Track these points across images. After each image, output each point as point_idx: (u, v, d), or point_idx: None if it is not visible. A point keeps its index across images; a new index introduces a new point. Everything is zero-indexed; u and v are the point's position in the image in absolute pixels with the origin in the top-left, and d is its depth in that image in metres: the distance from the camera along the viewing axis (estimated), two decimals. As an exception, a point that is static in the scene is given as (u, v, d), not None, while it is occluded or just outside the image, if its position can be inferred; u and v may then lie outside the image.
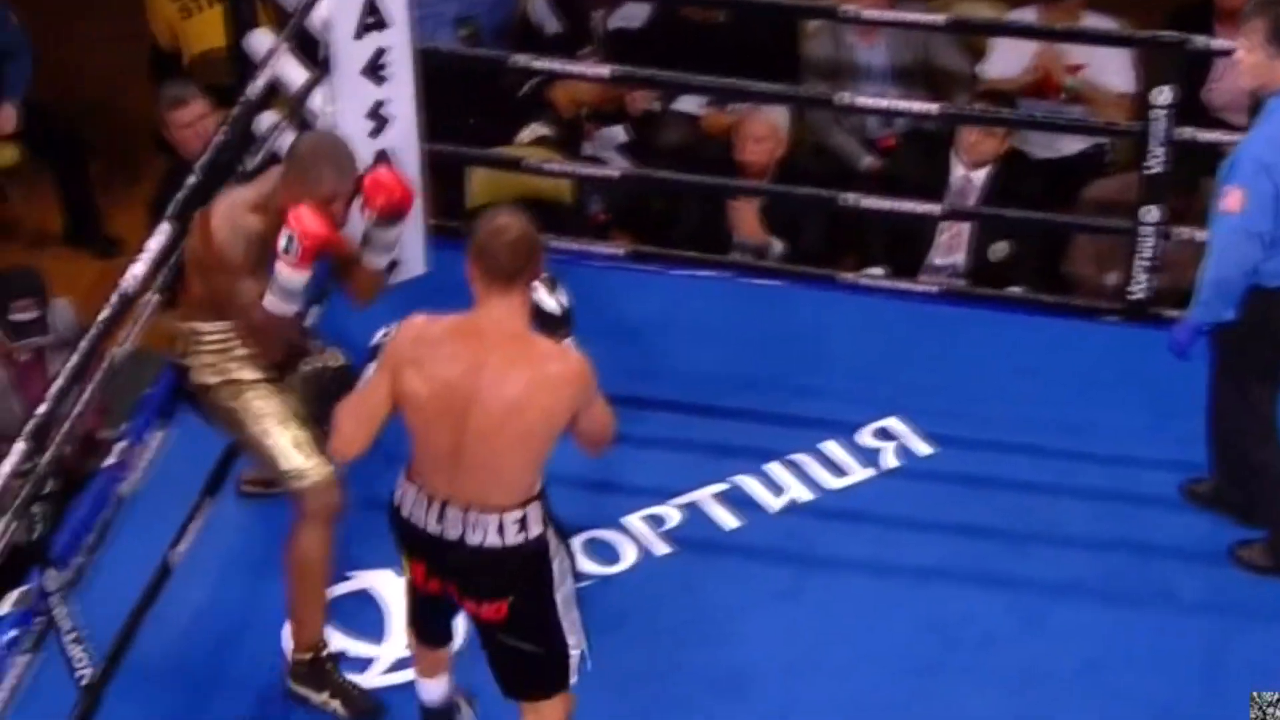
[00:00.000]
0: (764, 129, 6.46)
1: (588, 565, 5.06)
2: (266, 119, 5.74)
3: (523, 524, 4.06)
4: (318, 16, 5.58)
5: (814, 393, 5.54)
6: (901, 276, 6.18)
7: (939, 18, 6.03)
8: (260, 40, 5.82)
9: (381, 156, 5.60)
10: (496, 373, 3.95)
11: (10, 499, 4.15)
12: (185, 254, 4.65)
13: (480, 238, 3.97)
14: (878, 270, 6.33)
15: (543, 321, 4.14)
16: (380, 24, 5.59)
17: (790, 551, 5.12)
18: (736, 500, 5.26)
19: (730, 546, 5.15)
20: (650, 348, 5.72)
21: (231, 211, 4.54)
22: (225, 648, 4.83)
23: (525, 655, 4.18)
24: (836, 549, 5.13)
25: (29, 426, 4.22)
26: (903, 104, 5.86)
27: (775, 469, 5.35)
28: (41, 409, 4.26)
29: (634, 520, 5.20)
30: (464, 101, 6.71)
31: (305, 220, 4.40)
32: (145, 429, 4.89)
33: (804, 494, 5.29)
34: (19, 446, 4.17)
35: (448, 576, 4.14)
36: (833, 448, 5.42)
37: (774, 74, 6.33)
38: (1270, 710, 4.56)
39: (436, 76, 5.92)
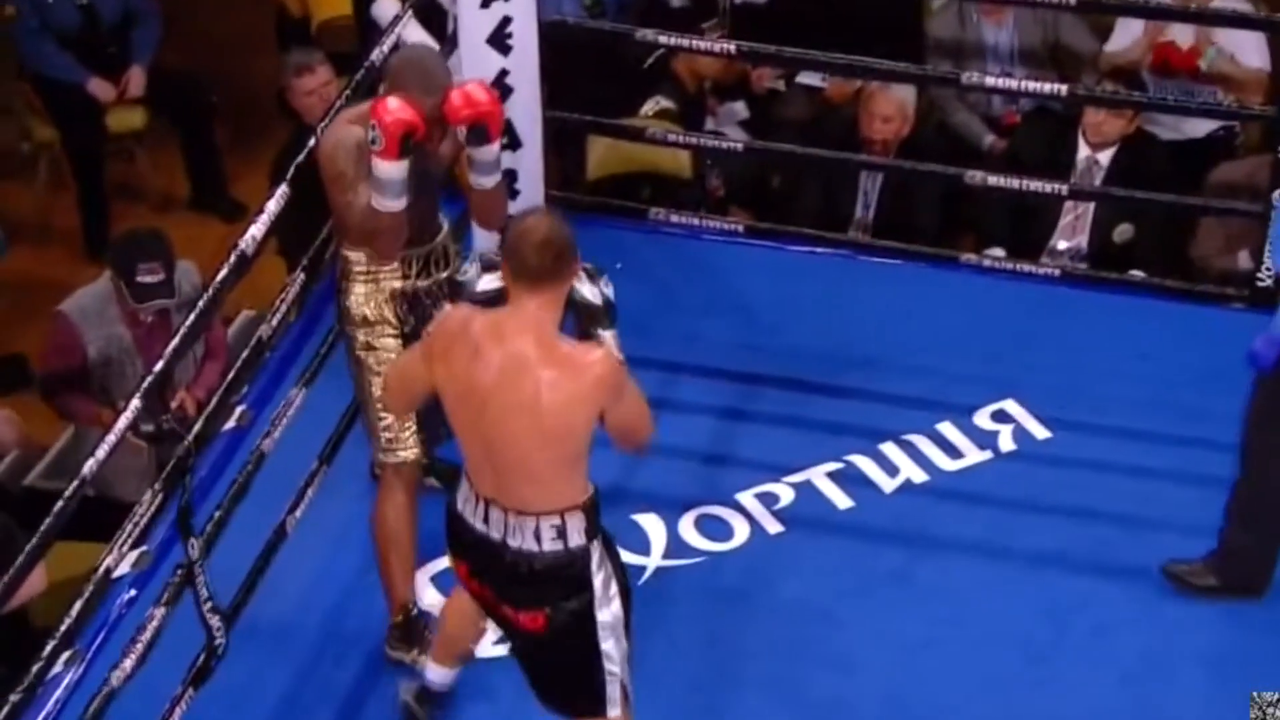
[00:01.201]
0: (891, 107, 6.40)
1: (700, 541, 5.05)
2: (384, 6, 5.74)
3: (560, 532, 3.97)
4: (444, -14, 5.59)
5: (930, 373, 5.50)
6: (1022, 258, 6.11)
7: (1070, -1, 5.92)
8: (386, 8, 5.84)
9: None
10: (511, 376, 3.87)
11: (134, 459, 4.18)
12: (333, 153, 4.58)
13: (509, 238, 3.92)
14: (998, 251, 6.26)
15: (581, 313, 4.08)
16: (506, -7, 5.58)
17: (903, 533, 5.08)
18: (850, 479, 5.22)
19: (842, 526, 5.11)
20: (766, 324, 5.69)
21: (334, 127, 4.59)
22: (337, 613, 4.85)
23: (558, 671, 4.11)
24: (950, 532, 5.08)
25: (144, 385, 4.22)
26: (1031, 84, 5.76)
27: (890, 449, 5.31)
28: (156, 367, 4.26)
29: (747, 497, 5.18)
30: (587, 72, 6.69)
31: (386, 107, 4.35)
32: (269, 393, 4.93)
33: (918, 475, 5.25)
34: (133, 404, 4.17)
35: (487, 579, 4.08)
36: (948, 429, 5.37)
37: (898, 49, 6.27)
38: (1270, 710, 4.51)
39: (560, 47, 5.91)
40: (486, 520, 4.01)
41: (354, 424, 5.02)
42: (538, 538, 3.97)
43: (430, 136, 4.48)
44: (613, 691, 4.09)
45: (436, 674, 4.54)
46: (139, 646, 4.25)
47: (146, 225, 6.24)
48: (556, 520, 3.97)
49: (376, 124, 4.35)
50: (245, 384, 4.67)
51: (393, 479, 4.66)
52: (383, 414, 4.62)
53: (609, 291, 4.17)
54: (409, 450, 4.65)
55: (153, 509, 4.25)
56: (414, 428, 4.63)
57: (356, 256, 4.62)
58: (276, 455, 4.73)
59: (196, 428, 4.42)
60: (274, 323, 4.71)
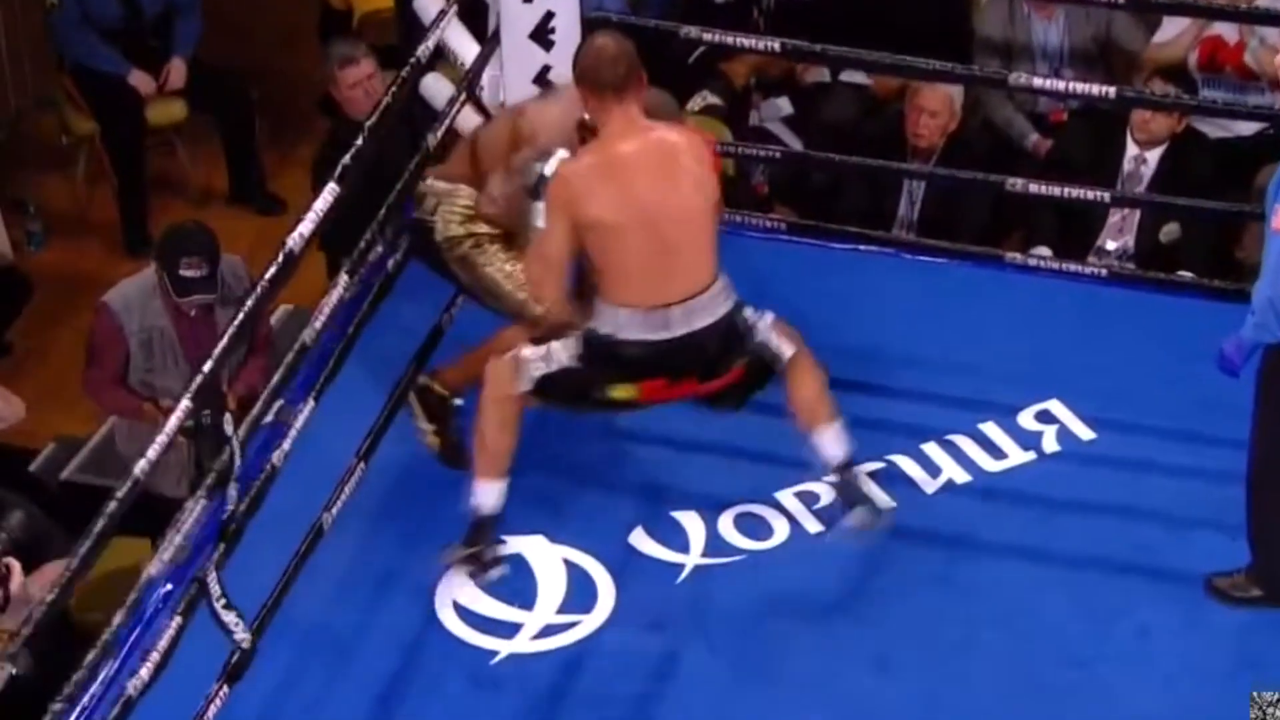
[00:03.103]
0: (938, 102, 6.43)
1: (739, 540, 5.09)
2: (435, 84, 5.79)
3: (726, 289, 4.59)
4: (490, -21, 5.64)
5: (974, 373, 5.52)
6: (1068, 257, 6.13)
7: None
8: (428, 2, 5.88)
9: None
10: (661, 159, 4.45)
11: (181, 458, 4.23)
12: (482, 138, 5.06)
13: (584, 63, 4.50)
14: (1044, 250, 6.29)
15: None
16: (550, -13, 5.63)
17: (945, 534, 5.10)
18: (891, 479, 5.24)
19: (883, 527, 5.13)
20: (808, 322, 5.65)
21: (566, 126, 4.78)
22: (373, 611, 4.89)
23: (757, 384, 4.75)
24: (991, 533, 5.10)
25: (194, 384, 4.27)
26: (1080, 86, 5.76)
27: (932, 449, 5.33)
28: (206, 367, 4.31)
29: (787, 495, 5.21)
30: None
31: None
32: (303, 391, 4.99)
33: (961, 475, 5.27)
34: (184, 404, 4.23)
35: (686, 373, 4.60)
36: (992, 429, 5.39)
37: (945, 47, 6.29)
38: (1270, 710, 4.53)
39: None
40: (667, 324, 4.51)
41: (393, 420, 5.08)
42: (718, 303, 4.56)
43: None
44: (779, 347, 4.70)
45: (496, 489, 4.71)
46: (158, 651, 4.30)
47: (192, 219, 6.31)
48: (722, 282, 4.58)
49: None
50: (288, 383, 4.73)
51: (532, 327, 4.84)
52: (510, 277, 4.92)
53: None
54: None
55: (196, 512, 4.31)
56: None
57: (449, 188, 4.98)
58: (316, 449, 4.78)
59: (241, 431, 4.47)
60: (317, 324, 4.76)
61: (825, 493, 5.20)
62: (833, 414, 4.79)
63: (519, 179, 4.80)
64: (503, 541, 4.86)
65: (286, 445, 4.75)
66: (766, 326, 4.69)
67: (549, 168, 4.69)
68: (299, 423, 4.82)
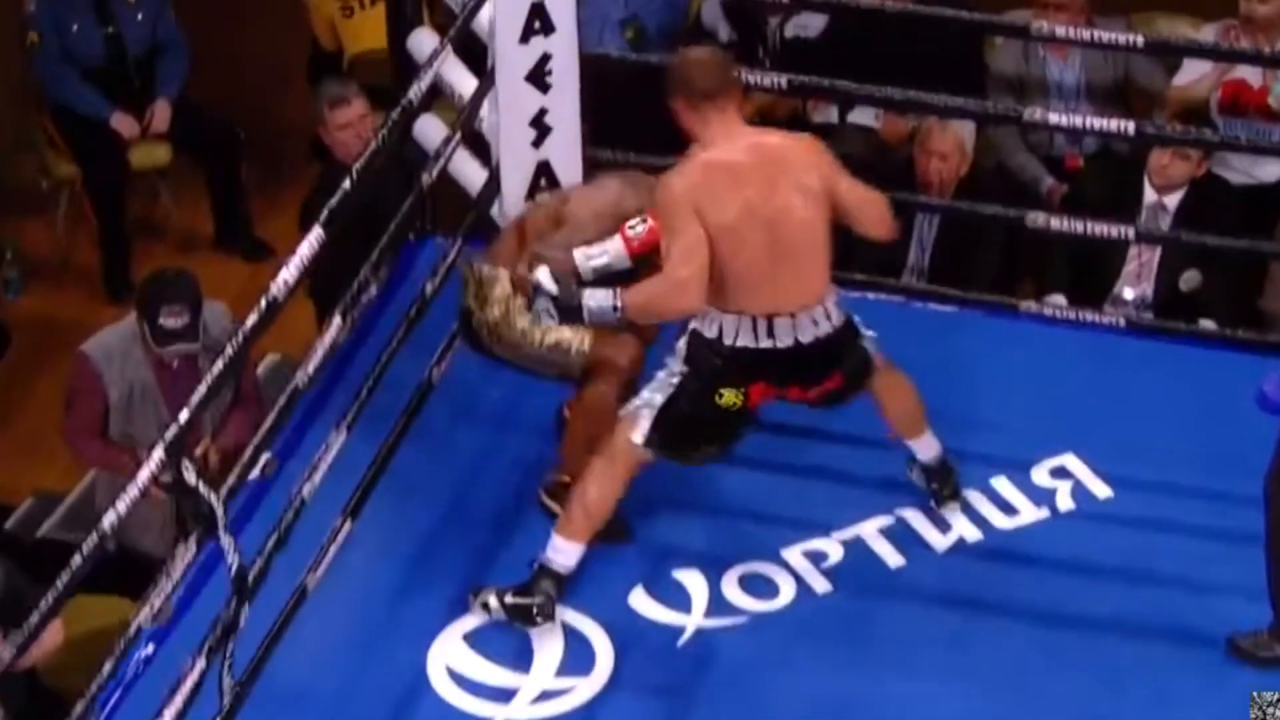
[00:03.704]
0: (949, 144, 6.46)
1: (743, 600, 5.10)
2: (429, 125, 5.83)
3: (837, 302, 4.77)
4: (483, 18, 5.67)
5: (986, 426, 5.53)
6: (1084, 306, 6.15)
7: (1138, 37, 5.93)
8: (422, 41, 5.92)
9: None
10: (768, 166, 4.60)
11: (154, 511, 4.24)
12: (529, 223, 5.21)
13: (678, 74, 4.70)
14: (1059, 299, 6.31)
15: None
16: (546, 28, 5.66)
17: (956, 595, 5.11)
18: (901, 536, 5.26)
19: (893, 586, 5.15)
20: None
21: (615, 207, 5.05)
22: (361, 672, 4.90)
23: (852, 391, 4.95)
24: (1005, 594, 5.11)
25: (168, 436, 4.27)
26: (1097, 122, 5.80)
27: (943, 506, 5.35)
28: (181, 417, 4.31)
29: (793, 554, 5.22)
30: (631, 109, 6.77)
31: (646, 239, 4.88)
32: (297, 444, 5.01)
33: (972, 533, 5.29)
34: (157, 456, 4.22)
35: (790, 382, 4.77)
36: (1004, 485, 5.41)
37: (958, 85, 6.33)
38: (1270, 710, 4.57)
39: (602, 82, 6.00)
40: (772, 334, 4.66)
41: (380, 477, 5.10)
42: (828, 316, 4.75)
43: None
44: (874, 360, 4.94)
45: (574, 551, 4.87)
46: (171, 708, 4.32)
47: (175, 266, 6.32)
48: (834, 296, 4.75)
49: (647, 221, 4.89)
50: (276, 435, 4.75)
51: (604, 364, 5.08)
52: (559, 339, 5.06)
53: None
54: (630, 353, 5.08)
55: (184, 565, 4.33)
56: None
57: (491, 274, 5.11)
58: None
59: (229, 482, 4.49)
60: (309, 370, 4.79)
61: (833, 551, 5.22)
62: (924, 415, 5.15)
63: (569, 266, 4.93)
64: (558, 603, 4.92)
65: (317, 478, 4.81)
66: (870, 341, 4.92)
67: (601, 261, 4.90)
68: (330, 456, 4.89)
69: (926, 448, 5.21)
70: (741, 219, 4.62)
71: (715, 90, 4.68)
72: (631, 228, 4.93)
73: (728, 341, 4.72)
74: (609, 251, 4.94)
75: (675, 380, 4.81)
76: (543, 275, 4.75)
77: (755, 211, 4.63)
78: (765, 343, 4.70)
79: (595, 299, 4.70)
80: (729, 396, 4.78)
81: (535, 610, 4.88)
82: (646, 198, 5.03)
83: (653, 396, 4.82)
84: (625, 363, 5.10)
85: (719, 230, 4.62)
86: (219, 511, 4.40)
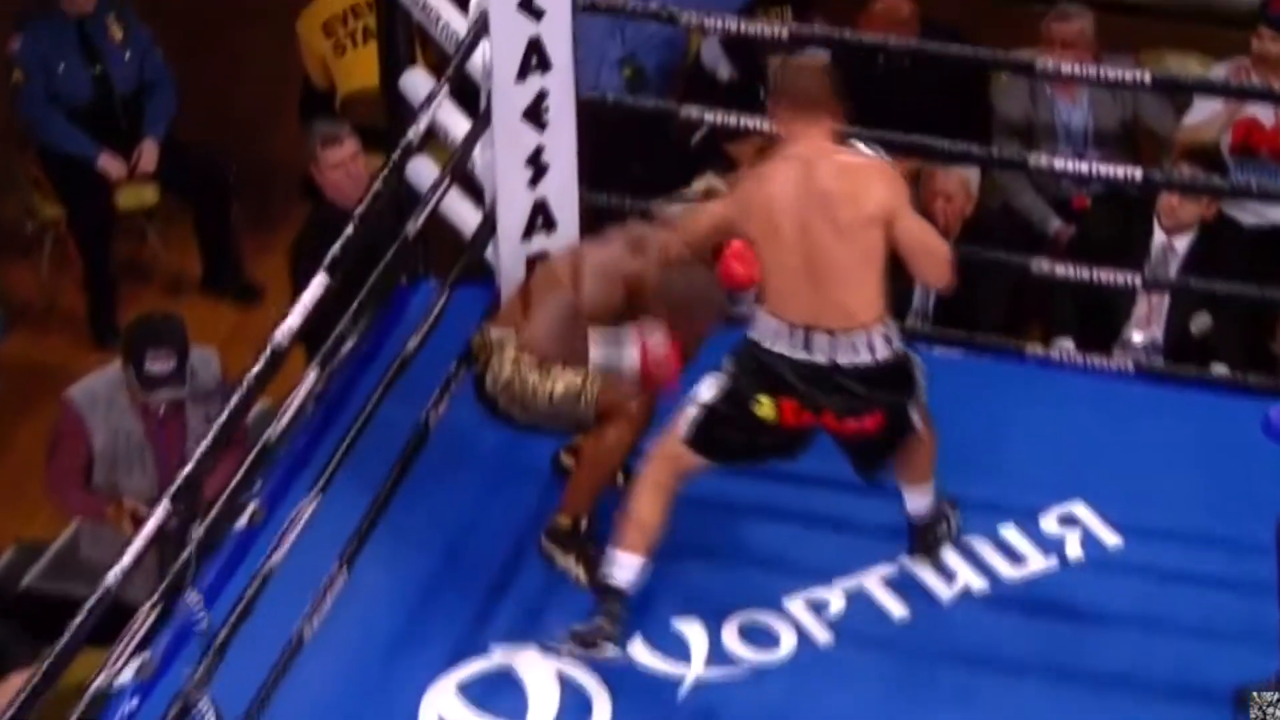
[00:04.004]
0: (954, 185, 6.48)
1: (743, 651, 5.08)
2: (421, 166, 5.84)
3: (888, 338, 4.77)
4: (479, 57, 5.68)
5: (992, 473, 5.52)
6: (1092, 350, 6.15)
7: (1146, 75, 5.92)
8: (415, 81, 5.93)
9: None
10: (823, 178, 4.68)
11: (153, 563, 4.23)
12: (535, 286, 5.25)
13: (781, 79, 4.92)
14: (1067, 343, 6.31)
15: None
16: (543, 65, 5.67)
17: (961, 647, 5.10)
18: (905, 586, 5.25)
19: (896, 638, 5.14)
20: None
21: (613, 267, 5.15)
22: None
23: (888, 447, 4.95)
24: (1012, 646, 5.10)
25: (173, 486, 4.27)
26: (1104, 169, 5.79)
27: (948, 554, 5.33)
28: (189, 467, 4.31)
29: (795, 603, 5.20)
30: (628, 149, 6.78)
31: (663, 363, 5.07)
32: (283, 493, 4.99)
33: (978, 583, 5.27)
34: (164, 506, 4.23)
35: (822, 403, 4.77)
36: (1011, 534, 5.40)
37: (963, 127, 6.34)
38: (1271, 710, 4.58)
39: (599, 122, 6.00)
40: (808, 345, 4.72)
41: (377, 524, 5.09)
42: (872, 348, 4.74)
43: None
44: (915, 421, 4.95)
45: (632, 564, 4.87)
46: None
47: (161, 310, 6.32)
48: (883, 329, 4.75)
49: (638, 363, 5.03)
50: (257, 481, 4.74)
51: (617, 411, 5.09)
52: (568, 388, 5.10)
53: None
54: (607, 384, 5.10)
55: (154, 617, 4.31)
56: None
57: (500, 336, 5.17)
58: (294, 554, 4.79)
59: (199, 534, 4.48)
60: (286, 418, 4.78)
61: (836, 600, 5.21)
62: (929, 476, 5.15)
63: (598, 355, 5.07)
64: (621, 623, 4.94)
65: (287, 546, 4.79)
66: (918, 397, 4.93)
67: (608, 361, 5.04)
68: (317, 506, 4.87)
69: (916, 501, 5.20)
70: (782, 230, 4.73)
71: (803, 103, 4.82)
72: (655, 342, 5.06)
73: (766, 345, 4.79)
74: (624, 351, 5.06)
75: (723, 379, 4.88)
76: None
77: (797, 226, 4.72)
78: (801, 354, 4.75)
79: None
80: (765, 406, 4.82)
81: (599, 634, 4.89)
82: (648, 261, 5.12)
83: (702, 392, 4.90)
84: (637, 407, 5.11)
85: (761, 234, 4.76)
86: (193, 564, 4.38)
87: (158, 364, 5.70)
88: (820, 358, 4.76)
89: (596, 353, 5.07)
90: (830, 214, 4.70)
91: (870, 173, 4.79)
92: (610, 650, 4.90)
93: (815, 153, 4.78)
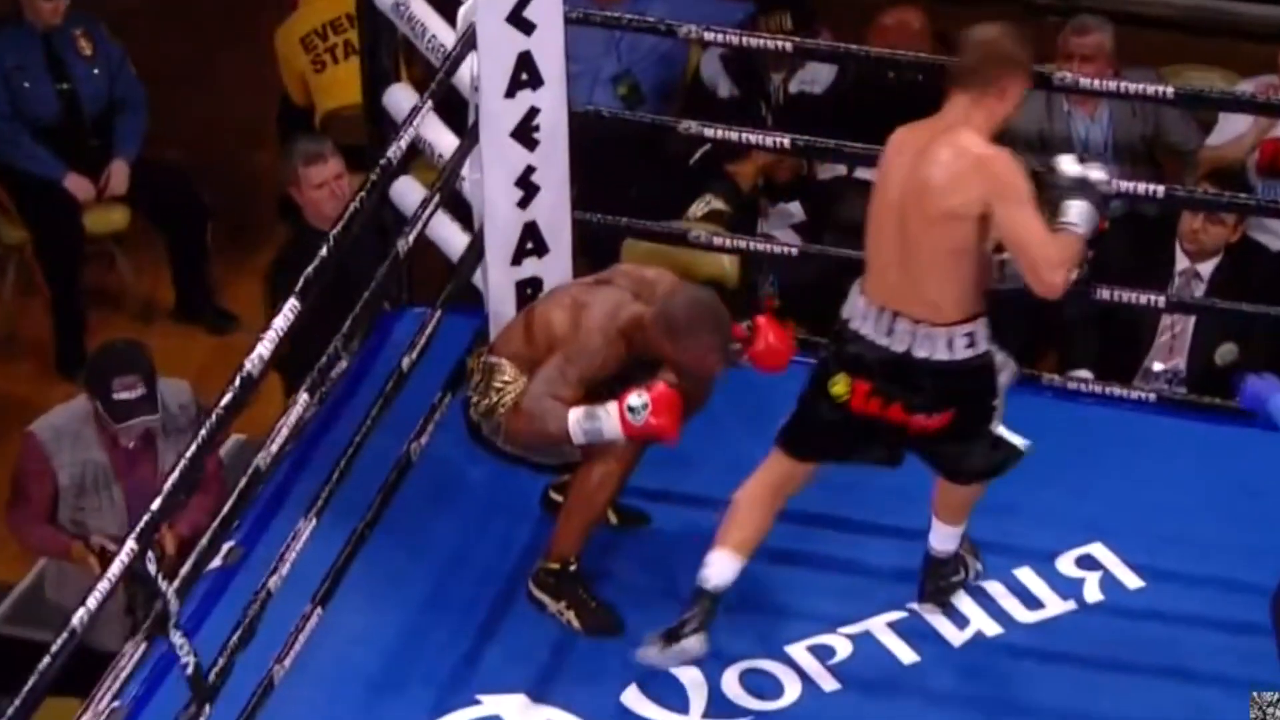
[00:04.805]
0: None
1: (745, 699, 5.08)
2: (406, 187, 5.84)
3: (972, 339, 4.81)
4: (466, 72, 5.68)
5: (1006, 511, 5.49)
6: (1112, 380, 6.15)
7: (1168, 88, 5.92)
8: (399, 97, 5.93)
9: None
10: (925, 165, 4.67)
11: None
12: (538, 314, 5.29)
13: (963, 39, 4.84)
14: (1085, 373, 6.31)
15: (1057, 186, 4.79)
16: (534, 81, 5.67)
17: (974, 694, 5.10)
18: (914, 631, 5.24)
19: (906, 685, 5.13)
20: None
21: (611, 321, 5.15)
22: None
23: (959, 454, 4.97)
24: (1027, 694, 5.09)
25: (141, 524, 4.27)
26: (1123, 184, 5.80)
27: (959, 597, 5.32)
28: (155, 505, 4.30)
29: (798, 650, 5.20)
30: (624, 169, 6.79)
31: (665, 406, 5.01)
32: (261, 531, 4.99)
33: (992, 628, 5.27)
34: (129, 546, 4.22)
35: (895, 394, 4.81)
36: (1027, 575, 5.39)
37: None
38: (1270, 710, 4.62)
39: (594, 141, 6.01)
40: (890, 332, 4.78)
41: (353, 561, 5.08)
42: (950, 347, 4.79)
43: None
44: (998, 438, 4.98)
45: (726, 566, 4.99)
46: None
47: (123, 337, 6.32)
48: (969, 329, 4.80)
49: (649, 408, 5.00)
50: (237, 520, 4.73)
51: (609, 449, 5.09)
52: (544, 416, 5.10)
53: (1093, 174, 4.82)
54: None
55: (132, 664, 4.31)
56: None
57: (494, 363, 5.22)
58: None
59: (184, 572, 4.48)
60: (272, 450, 4.78)
61: (841, 647, 5.20)
62: (964, 519, 5.19)
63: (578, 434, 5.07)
64: (709, 622, 5.00)
65: (285, 569, 4.81)
66: (996, 409, 4.95)
67: (593, 428, 5.02)
68: (300, 543, 4.88)
69: (941, 539, 5.22)
70: (884, 210, 4.79)
71: (959, 73, 4.80)
72: (632, 410, 5.02)
73: (852, 324, 4.87)
74: (604, 425, 5.03)
75: (817, 363, 4.99)
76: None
77: (896, 210, 4.77)
78: (882, 339, 4.81)
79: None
80: (839, 385, 4.88)
81: (683, 626, 4.97)
82: (648, 305, 5.14)
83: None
84: (624, 443, 5.10)
85: (871, 208, 4.85)
86: (173, 607, 4.38)
87: (126, 390, 5.71)
88: (899, 346, 4.81)
89: (577, 432, 5.05)
90: (921, 203, 4.72)
91: (971, 165, 4.70)
92: (696, 646, 4.98)
93: (937, 132, 4.75)
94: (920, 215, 4.72)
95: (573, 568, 5.20)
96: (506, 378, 5.21)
